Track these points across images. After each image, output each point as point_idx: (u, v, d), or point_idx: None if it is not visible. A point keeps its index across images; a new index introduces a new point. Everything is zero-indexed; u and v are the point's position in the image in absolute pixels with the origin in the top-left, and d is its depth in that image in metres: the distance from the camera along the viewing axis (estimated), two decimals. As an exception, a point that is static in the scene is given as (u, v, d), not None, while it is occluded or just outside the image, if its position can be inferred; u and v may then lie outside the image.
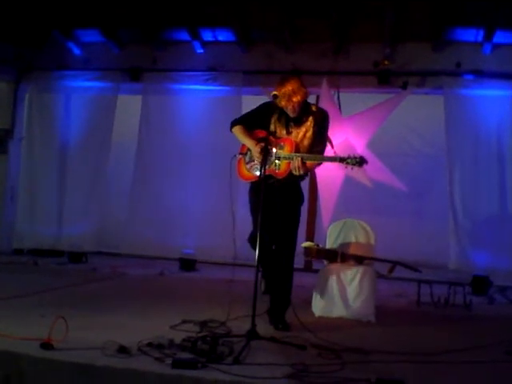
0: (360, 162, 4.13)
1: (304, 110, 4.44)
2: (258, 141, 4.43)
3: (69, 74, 8.74)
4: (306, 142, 4.43)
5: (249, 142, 4.50)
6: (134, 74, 8.48)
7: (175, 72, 8.42)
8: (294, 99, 4.31)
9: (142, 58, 8.49)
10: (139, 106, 8.56)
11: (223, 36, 8.26)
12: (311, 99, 7.42)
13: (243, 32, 8.06)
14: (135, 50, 8.59)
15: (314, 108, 4.54)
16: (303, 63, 7.88)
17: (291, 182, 4.44)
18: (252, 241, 4.42)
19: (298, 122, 4.46)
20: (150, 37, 8.35)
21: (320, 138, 4.48)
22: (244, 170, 4.56)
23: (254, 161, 4.49)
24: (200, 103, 8.41)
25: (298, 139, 4.42)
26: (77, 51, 8.80)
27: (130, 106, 8.64)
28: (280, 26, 7.81)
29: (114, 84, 8.56)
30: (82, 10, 7.94)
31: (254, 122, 4.57)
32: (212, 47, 8.40)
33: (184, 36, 8.28)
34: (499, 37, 7.30)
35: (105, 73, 8.59)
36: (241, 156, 4.59)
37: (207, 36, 8.31)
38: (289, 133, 4.46)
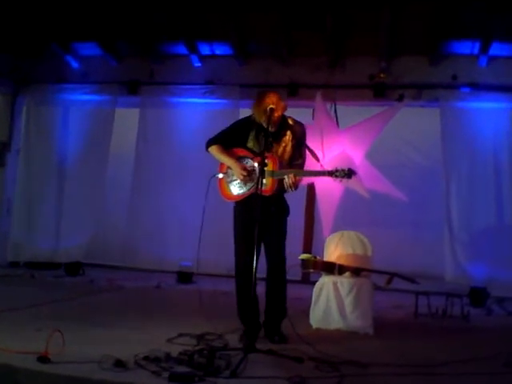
0: (348, 173, 4.14)
1: (282, 123, 4.43)
2: (238, 159, 4.42)
3: (66, 87, 8.75)
4: (286, 156, 4.42)
5: (229, 161, 4.45)
6: (131, 87, 8.51)
7: (173, 85, 8.45)
8: (276, 114, 4.30)
9: (140, 71, 8.52)
10: (137, 119, 8.59)
11: (220, 50, 8.31)
12: (308, 113, 7.56)
13: (240, 45, 8.11)
14: (133, 64, 8.62)
15: (291, 121, 4.51)
16: (299, 77, 7.93)
17: (276, 195, 4.41)
18: (239, 278, 4.45)
19: (277, 136, 4.43)
20: (148, 50, 8.39)
21: (299, 152, 4.49)
22: (227, 189, 4.52)
23: (236, 180, 4.46)
24: (197, 116, 8.43)
25: (278, 154, 4.39)
26: (75, 64, 8.82)
27: (127, 119, 8.66)
28: (276, 39, 7.86)
29: (112, 97, 8.57)
30: (80, 23, 7.98)
31: (231, 140, 4.52)
32: (209, 61, 8.44)
33: (181, 49, 8.31)
34: (495, 49, 7.34)
35: (102, 86, 8.60)
36: (222, 175, 4.54)
37: (204, 50, 8.35)
38: (268, 149, 4.36)
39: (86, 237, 8.46)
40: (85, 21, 7.94)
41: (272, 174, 4.28)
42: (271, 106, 4.26)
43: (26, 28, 8.03)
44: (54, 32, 8.22)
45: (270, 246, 4.48)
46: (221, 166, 4.57)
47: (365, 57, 7.79)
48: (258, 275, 4.17)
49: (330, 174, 4.20)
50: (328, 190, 7.37)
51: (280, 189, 4.36)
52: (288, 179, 4.23)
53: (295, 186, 4.26)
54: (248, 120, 4.47)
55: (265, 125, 4.35)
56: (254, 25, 7.79)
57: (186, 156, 8.30)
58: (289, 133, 4.45)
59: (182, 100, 8.47)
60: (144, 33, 8.10)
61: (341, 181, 4.20)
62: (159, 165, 8.45)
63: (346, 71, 7.92)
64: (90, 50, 8.57)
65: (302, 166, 4.50)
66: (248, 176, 4.37)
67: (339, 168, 4.18)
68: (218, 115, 8.09)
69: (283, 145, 4.44)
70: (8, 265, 8.51)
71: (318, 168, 5.18)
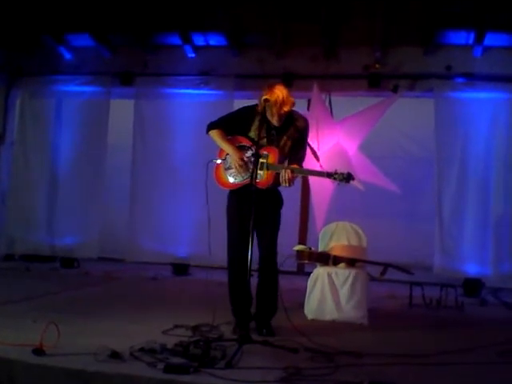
0: (347, 178, 4.09)
1: (287, 118, 4.33)
2: (239, 148, 4.35)
3: (60, 78, 8.71)
4: (286, 150, 4.34)
5: (229, 148, 4.35)
6: (125, 79, 8.46)
7: (167, 76, 8.42)
8: (285, 108, 4.18)
9: (134, 62, 8.48)
10: (130, 110, 8.55)
11: (215, 40, 8.27)
12: (302, 103, 7.54)
13: (235, 36, 8.07)
14: (127, 55, 8.57)
15: (295, 116, 4.42)
16: (294, 67, 7.90)
17: (271, 188, 4.36)
18: (231, 268, 4.44)
19: (280, 130, 4.33)
20: (142, 41, 8.35)
21: (299, 146, 4.41)
22: (223, 176, 4.42)
23: (233, 167, 4.36)
24: (192, 107, 8.40)
25: (279, 147, 4.30)
26: (67, 56, 8.77)
27: (121, 110, 8.62)
28: (271, 30, 7.84)
29: (106, 88, 8.54)
30: (72, 14, 7.93)
31: (233, 127, 4.42)
32: (204, 51, 8.41)
33: (175, 40, 8.27)
34: (490, 39, 7.34)
35: (96, 77, 8.57)
36: (219, 161, 4.44)
37: (199, 40, 8.31)
38: (270, 141, 4.30)
39: (82, 231, 8.48)
40: (77, 12, 7.89)
41: (267, 166, 4.22)
42: (266, 96, 4.19)
43: (18, 20, 7.97)
44: (47, 24, 8.18)
45: (263, 239, 4.41)
46: (220, 152, 4.47)
47: (359, 47, 7.77)
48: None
49: (329, 175, 4.13)
50: (321, 183, 7.38)
51: (276, 183, 4.30)
52: (284, 174, 4.12)
53: (290, 181, 4.14)
54: (252, 109, 4.35)
55: (270, 118, 4.25)
56: (248, 15, 7.76)
57: (181, 147, 8.30)
58: (292, 128, 4.37)
59: (177, 91, 8.45)
60: (137, 23, 8.05)
61: (338, 184, 4.19)
62: (156, 157, 8.43)
63: (341, 62, 7.90)
64: (82, 41, 8.52)
65: (302, 159, 4.42)
66: (244, 166, 4.30)
67: (338, 171, 4.12)
68: (213, 106, 8.06)
69: (285, 138, 4.35)
70: (2, 258, 8.50)
71: (317, 167, 5.13)
